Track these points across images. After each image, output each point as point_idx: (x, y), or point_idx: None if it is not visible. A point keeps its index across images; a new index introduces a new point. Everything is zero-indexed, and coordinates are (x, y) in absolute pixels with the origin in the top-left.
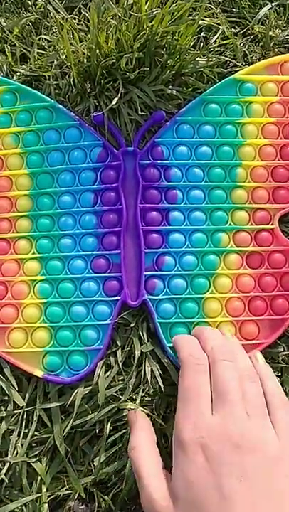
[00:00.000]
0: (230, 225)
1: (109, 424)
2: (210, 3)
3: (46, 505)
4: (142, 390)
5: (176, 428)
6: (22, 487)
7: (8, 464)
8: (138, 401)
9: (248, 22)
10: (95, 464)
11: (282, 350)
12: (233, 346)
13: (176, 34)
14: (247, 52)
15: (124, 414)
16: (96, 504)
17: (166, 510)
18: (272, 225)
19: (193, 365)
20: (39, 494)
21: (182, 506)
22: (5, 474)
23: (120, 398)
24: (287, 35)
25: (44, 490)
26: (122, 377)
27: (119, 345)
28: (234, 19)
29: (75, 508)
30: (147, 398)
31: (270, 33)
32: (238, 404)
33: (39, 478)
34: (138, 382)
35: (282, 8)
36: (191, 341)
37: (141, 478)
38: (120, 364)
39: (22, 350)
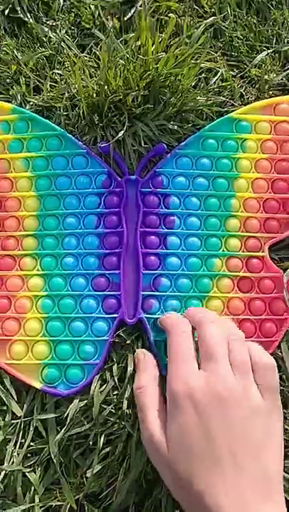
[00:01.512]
0: (223, 251)
1: (103, 437)
2: (211, 47)
3: None
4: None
5: (169, 385)
6: (16, 497)
7: (3, 472)
8: (132, 416)
9: (245, 66)
10: (88, 475)
11: None
12: (215, 314)
13: (179, 75)
14: (243, 93)
15: (117, 428)
16: None
17: (162, 449)
18: (262, 252)
19: (179, 331)
20: (32, 504)
21: (175, 448)
22: (1, 482)
23: (115, 413)
24: (281, 79)
25: (37, 500)
26: (116, 392)
27: (115, 360)
28: (233, 62)
29: None
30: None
31: (266, 76)
32: (223, 361)
33: (33, 488)
34: (132, 398)
35: (277, 54)
36: (174, 314)
37: (144, 420)
38: (116, 379)
39: (22, 362)
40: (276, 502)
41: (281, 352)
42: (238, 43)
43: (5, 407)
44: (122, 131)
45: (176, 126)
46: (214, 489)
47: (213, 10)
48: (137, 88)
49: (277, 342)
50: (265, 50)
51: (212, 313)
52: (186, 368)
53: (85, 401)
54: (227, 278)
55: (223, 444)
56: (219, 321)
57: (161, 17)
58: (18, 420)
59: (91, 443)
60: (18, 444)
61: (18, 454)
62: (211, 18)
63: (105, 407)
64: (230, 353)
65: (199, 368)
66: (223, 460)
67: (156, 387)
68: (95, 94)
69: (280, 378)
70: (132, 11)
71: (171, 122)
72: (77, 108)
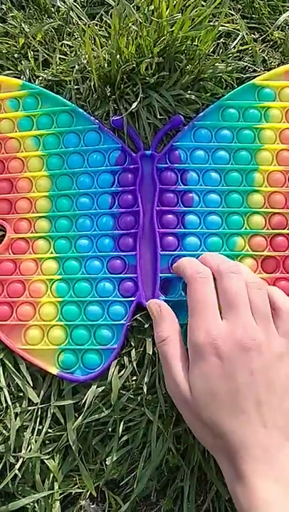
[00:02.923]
0: (245, 229)
1: (122, 423)
2: (230, 9)
3: (58, 502)
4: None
5: (191, 335)
6: (35, 483)
7: (21, 459)
8: (152, 402)
9: (267, 28)
10: (107, 463)
11: None
12: (236, 263)
13: (196, 40)
14: (266, 57)
15: (136, 414)
16: (107, 504)
17: (186, 396)
18: (288, 229)
19: (199, 279)
20: (51, 491)
21: (199, 397)
22: (18, 469)
23: (134, 398)
24: None
25: (56, 487)
26: (135, 377)
27: (133, 345)
28: (254, 25)
29: (86, 507)
30: (161, 399)
31: None
32: (245, 310)
33: (51, 475)
34: (152, 383)
35: None
36: (192, 261)
37: (169, 369)
38: (134, 364)
39: (38, 348)
40: None
41: None
42: (258, 3)
43: (21, 394)
44: (136, 103)
45: (193, 96)
46: (240, 431)
47: None
48: (150, 55)
49: None
50: (288, 10)
51: (231, 262)
52: (207, 317)
53: (103, 387)
54: (250, 258)
55: (247, 393)
56: (239, 269)
57: None
58: (35, 407)
59: (110, 430)
60: (36, 431)
61: (35, 441)
62: None
63: (124, 392)
64: (250, 301)
65: (221, 317)
66: (248, 409)
67: (178, 338)
68: (106, 65)
69: None
70: None
71: (188, 92)
72: (88, 81)
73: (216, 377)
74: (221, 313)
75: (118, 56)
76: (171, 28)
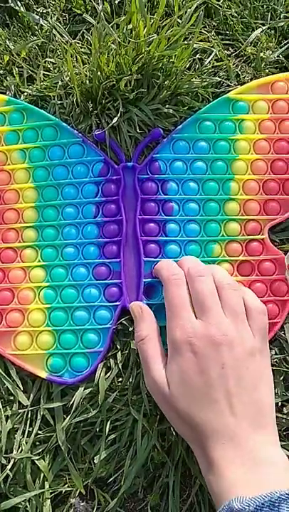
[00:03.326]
0: (222, 235)
1: (109, 423)
2: (205, 27)
3: (49, 501)
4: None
5: (169, 333)
6: (26, 484)
7: (13, 460)
8: (137, 402)
9: (240, 44)
10: (96, 461)
11: (273, 353)
12: (209, 266)
13: (172, 57)
14: (239, 72)
15: (123, 414)
16: (96, 501)
17: (164, 391)
18: (262, 235)
19: (173, 281)
20: (42, 490)
21: (175, 389)
22: (10, 470)
23: (120, 399)
24: (277, 57)
25: (47, 486)
26: (121, 379)
27: (119, 348)
28: (228, 42)
29: (76, 505)
30: (145, 399)
31: (261, 54)
32: (217, 309)
33: (42, 475)
34: (137, 384)
35: (272, 31)
36: (169, 263)
37: (147, 366)
38: (120, 366)
39: (27, 353)
40: (268, 431)
41: (285, 333)
42: (232, 21)
43: (12, 397)
44: (117, 118)
45: (171, 110)
46: (212, 421)
47: None
48: (129, 73)
49: (280, 323)
50: (260, 27)
51: (201, 266)
52: (183, 316)
53: (91, 388)
54: (226, 263)
55: (218, 386)
56: (208, 271)
57: None
58: (25, 409)
59: (98, 429)
60: (26, 432)
61: (26, 443)
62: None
63: (110, 394)
64: (221, 300)
65: (196, 317)
66: (219, 400)
67: (157, 337)
68: (88, 81)
69: (284, 360)
70: None
71: (166, 106)
72: (71, 96)
73: (191, 372)
74: (195, 313)
75: (99, 73)
76: (148, 47)
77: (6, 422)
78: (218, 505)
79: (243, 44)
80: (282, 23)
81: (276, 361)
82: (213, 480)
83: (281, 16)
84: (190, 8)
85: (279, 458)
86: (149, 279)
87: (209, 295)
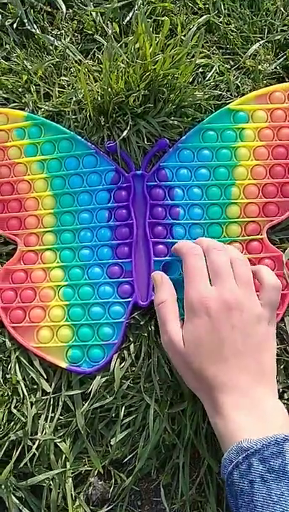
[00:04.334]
0: (224, 237)
1: (123, 408)
2: (206, 42)
3: (70, 479)
4: (153, 379)
5: (186, 297)
6: (50, 465)
7: (37, 442)
8: (149, 389)
9: (240, 57)
10: (112, 444)
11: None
12: (224, 245)
13: (177, 73)
14: (239, 84)
15: (136, 400)
16: (113, 480)
17: (179, 348)
18: (261, 235)
19: (192, 253)
20: (64, 469)
21: (190, 346)
22: (36, 449)
23: (133, 386)
24: (274, 68)
25: (68, 466)
26: (134, 368)
27: (132, 340)
28: (228, 56)
29: (95, 484)
30: (156, 386)
31: (260, 66)
32: (229, 278)
33: (64, 456)
34: (148, 372)
35: (270, 44)
36: (188, 241)
37: (165, 325)
38: (133, 356)
39: (49, 345)
40: (269, 385)
41: (285, 325)
42: (232, 35)
43: (35, 386)
44: (127, 130)
45: (176, 122)
46: (221, 375)
47: (207, 6)
48: (137, 89)
49: (280, 315)
50: (258, 40)
51: (219, 243)
52: (200, 282)
53: (107, 377)
54: None
55: (229, 343)
56: (224, 247)
57: (158, 18)
58: (48, 396)
59: (113, 415)
60: (49, 417)
61: (49, 427)
62: (204, 17)
63: (125, 381)
64: (235, 272)
65: (211, 284)
66: (228, 357)
67: (174, 302)
68: (99, 97)
69: (285, 350)
70: (130, 14)
71: (172, 118)
72: (84, 111)
73: (205, 331)
74: (211, 282)
75: (109, 90)
76: (154, 65)
77: (31, 407)
78: (225, 445)
79: (242, 57)
80: (279, 37)
81: (277, 351)
82: (220, 423)
83: (278, 30)
84: (192, 26)
85: (280, 407)
86: None
87: (224, 265)
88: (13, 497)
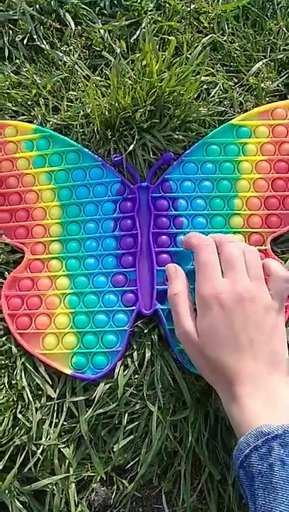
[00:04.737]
0: None
1: (126, 415)
2: (211, 60)
3: (73, 485)
4: (156, 386)
5: (198, 290)
6: (53, 470)
7: (42, 447)
8: (152, 396)
9: (243, 75)
10: (114, 450)
11: None
12: (235, 239)
13: (182, 90)
14: (242, 101)
15: (139, 407)
16: (115, 487)
17: (193, 339)
18: (265, 246)
19: (204, 246)
20: (67, 474)
21: (205, 337)
22: (40, 454)
23: (136, 393)
24: (276, 86)
25: (71, 472)
26: (137, 376)
27: (135, 348)
28: (232, 74)
29: (98, 490)
30: (159, 393)
31: (262, 84)
32: (242, 270)
33: (67, 462)
34: (151, 380)
35: (272, 63)
36: (199, 234)
37: (178, 317)
38: (136, 364)
39: (54, 352)
40: (282, 373)
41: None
42: (236, 53)
43: (40, 392)
44: (133, 144)
45: (181, 136)
46: (236, 365)
47: (211, 25)
48: (144, 105)
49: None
50: (261, 59)
51: (230, 235)
52: (212, 275)
53: (110, 384)
54: None
55: (242, 333)
56: (236, 240)
57: (164, 36)
58: (52, 402)
59: (116, 422)
60: (53, 423)
61: (53, 432)
62: (209, 36)
63: (128, 389)
64: (246, 263)
65: (223, 276)
66: (242, 347)
67: (187, 293)
68: (107, 112)
69: None
70: (138, 32)
71: (177, 132)
72: (91, 125)
73: (218, 322)
74: (222, 273)
75: (117, 105)
76: (160, 83)
77: (36, 413)
78: (240, 433)
79: (246, 75)
80: (282, 55)
81: None
82: (235, 411)
83: (280, 49)
84: (198, 44)
85: None
86: (162, 286)
87: (237, 257)
88: (17, 502)
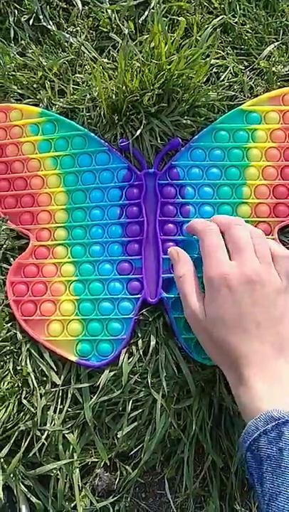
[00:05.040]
0: None
1: (130, 402)
2: (221, 42)
3: (78, 470)
4: (160, 375)
5: (206, 273)
6: (57, 455)
7: (46, 432)
8: (156, 384)
9: (254, 58)
10: (118, 436)
11: None
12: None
13: (191, 73)
14: (253, 85)
15: (143, 394)
16: (119, 472)
17: (201, 318)
18: (272, 235)
19: (208, 230)
20: (72, 460)
21: (212, 317)
22: (45, 439)
23: (141, 381)
24: (287, 71)
25: (75, 457)
26: (141, 364)
27: (140, 336)
28: (242, 57)
29: (101, 475)
30: (163, 381)
31: (273, 68)
32: (250, 252)
33: (71, 447)
34: (156, 368)
35: (284, 46)
36: (201, 219)
37: (186, 298)
38: (141, 352)
39: (59, 339)
40: (288, 357)
41: None
42: (247, 36)
43: (45, 378)
44: (140, 129)
45: (189, 121)
46: (243, 346)
47: (222, 5)
48: (152, 88)
49: None
50: (273, 42)
51: (238, 218)
52: (219, 258)
53: (115, 371)
54: None
55: (249, 316)
56: (243, 222)
57: (174, 17)
58: (57, 388)
59: (120, 408)
60: (58, 409)
61: (58, 418)
62: (219, 18)
63: (132, 376)
64: (254, 246)
65: (230, 259)
66: (250, 329)
67: (193, 274)
68: (114, 96)
69: None
70: (146, 13)
71: (185, 117)
72: (98, 109)
73: (226, 304)
74: (230, 257)
75: (124, 88)
76: (169, 65)
77: (41, 399)
78: (248, 416)
79: (257, 58)
80: None
81: None
82: (242, 393)
83: None
84: (208, 26)
85: None
86: (168, 275)
87: (245, 239)
88: (22, 485)
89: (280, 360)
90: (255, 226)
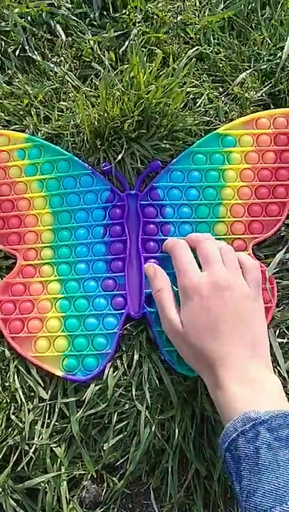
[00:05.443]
0: None
1: (116, 415)
2: (197, 70)
3: (65, 482)
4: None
5: (179, 284)
6: (45, 469)
7: (34, 446)
8: (140, 396)
9: (228, 84)
10: (104, 448)
11: None
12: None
13: (168, 101)
14: (227, 110)
15: (128, 407)
16: (105, 484)
17: (178, 329)
18: (247, 251)
19: (178, 245)
20: (59, 472)
21: (188, 326)
22: (33, 453)
23: (125, 394)
24: (260, 96)
25: (63, 470)
26: (126, 377)
27: (124, 350)
28: (218, 84)
29: (88, 487)
30: (147, 393)
31: (246, 94)
32: (219, 262)
33: (59, 460)
34: (140, 381)
35: (256, 73)
36: (173, 238)
37: (163, 311)
38: (125, 365)
39: (46, 355)
40: (263, 358)
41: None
42: (221, 64)
43: (33, 393)
44: (122, 153)
45: (168, 145)
46: (218, 350)
47: (198, 36)
48: (132, 115)
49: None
50: (247, 69)
51: (207, 234)
52: (190, 269)
53: (100, 385)
54: None
55: (222, 320)
56: (212, 238)
57: (152, 47)
58: (44, 403)
59: (106, 421)
60: (45, 424)
61: (45, 432)
62: (195, 48)
63: (117, 389)
64: (223, 258)
65: (201, 270)
66: (222, 332)
67: (169, 288)
68: (96, 122)
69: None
70: (126, 43)
71: (164, 141)
72: (81, 134)
73: (199, 310)
74: (201, 269)
75: (106, 115)
76: (147, 94)
77: (29, 414)
78: (226, 417)
79: (231, 84)
80: (265, 66)
81: None
82: (220, 395)
83: (264, 59)
84: (184, 56)
85: (273, 380)
86: (150, 290)
87: (214, 252)
88: (11, 499)
89: (253, 360)
90: (231, 243)
